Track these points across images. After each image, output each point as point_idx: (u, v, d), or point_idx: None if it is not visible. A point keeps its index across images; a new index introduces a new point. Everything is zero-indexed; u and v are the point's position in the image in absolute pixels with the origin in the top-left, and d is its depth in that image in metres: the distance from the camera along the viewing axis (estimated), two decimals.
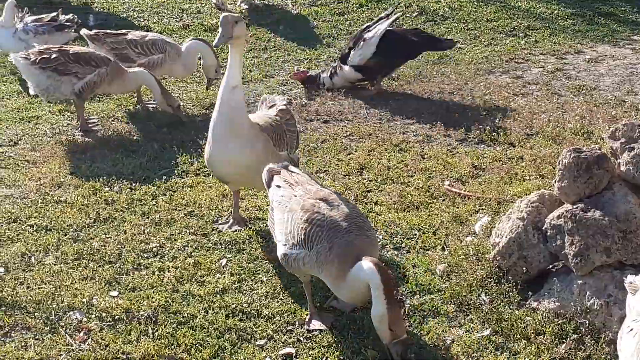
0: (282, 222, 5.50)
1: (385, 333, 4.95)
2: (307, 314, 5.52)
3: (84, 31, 9.13)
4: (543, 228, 5.71)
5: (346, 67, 9.31)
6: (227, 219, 6.68)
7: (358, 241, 5.20)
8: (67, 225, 6.62)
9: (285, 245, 5.42)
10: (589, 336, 5.24)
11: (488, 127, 8.29)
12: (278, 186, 5.74)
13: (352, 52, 9.29)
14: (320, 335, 5.39)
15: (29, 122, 8.60)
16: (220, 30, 5.98)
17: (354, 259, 5.08)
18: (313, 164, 7.65)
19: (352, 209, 5.47)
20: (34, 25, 9.67)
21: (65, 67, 8.15)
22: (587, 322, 5.31)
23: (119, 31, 9.27)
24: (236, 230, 6.50)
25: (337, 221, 5.28)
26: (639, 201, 5.50)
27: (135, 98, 9.09)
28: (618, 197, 5.51)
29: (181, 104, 8.66)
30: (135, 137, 8.26)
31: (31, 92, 8.48)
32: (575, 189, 5.59)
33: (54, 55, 8.14)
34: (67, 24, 9.99)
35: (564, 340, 5.25)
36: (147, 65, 8.79)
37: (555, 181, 5.82)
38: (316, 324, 5.48)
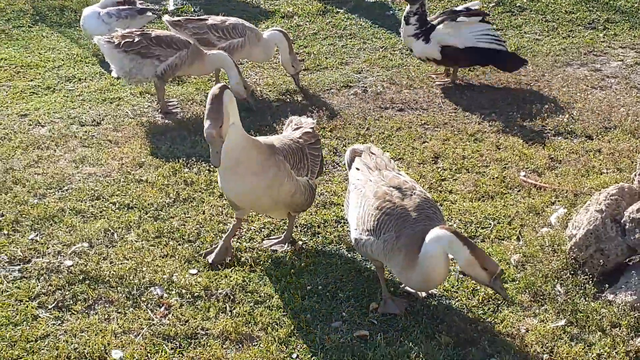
0: (355, 207, 5.54)
1: (481, 274, 5.00)
2: (381, 298, 5.57)
3: (165, 17, 9.26)
4: (622, 221, 5.70)
5: (426, 45, 9.10)
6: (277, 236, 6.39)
7: (425, 231, 5.14)
8: (148, 204, 6.77)
9: (357, 230, 5.47)
10: None
11: (565, 119, 8.23)
12: (357, 169, 5.76)
13: (440, 27, 9.06)
14: (394, 320, 5.44)
15: (111, 103, 8.77)
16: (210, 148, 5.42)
17: (419, 248, 5.09)
18: (387, 152, 7.63)
19: (424, 199, 5.45)
20: (116, 9, 9.87)
21: (148, 50, 8.29)
22: None
23: (199, 16, 9.37)
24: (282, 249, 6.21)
25: (407, 211, 5.29)
26: None
27: (214, 82, 9.22)
28: None
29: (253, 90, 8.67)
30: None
31: (114, 74, 8.66)
32: None
33: (136, 39, 8.29)
34: (148, 7, 10.20)
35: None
36: (227, 48, 8.86)
37: (636, 174, 5.82)
38: (390, 309, 5.52)
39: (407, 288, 5.72)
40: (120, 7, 9.92)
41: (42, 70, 9.59)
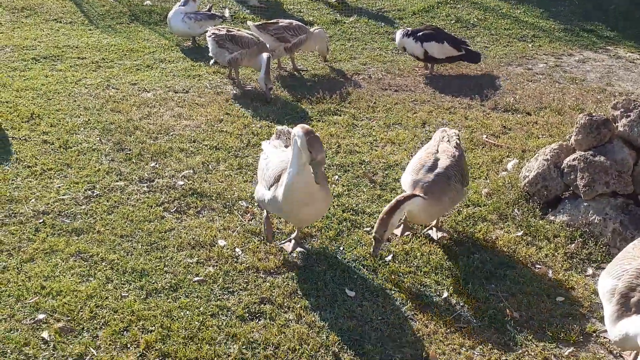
0: (414, 160, 5.45)
1: (375, 228, 4.89)
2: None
3: (250, 23, 9.08)
4: (561, 167, 5.85)
5: (415, 44, 9.18)
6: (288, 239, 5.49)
7: (433, 181, 5.08)
8: (230, 147, 6.86)
9: (405, 173, 5.38)
10: (590, 240, 5.43)
11: (511, 101, 8.35)
12: (435, 139, 5.62)
13: (429, 43, 9.10)
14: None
15: (194, 78, 8.78)
16: (321, 150, 4.60)
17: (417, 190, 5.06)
18: (390, 119, 7.80)
19: (452, 162, 5.24)
20: (194, 14, 9.92)
21: (223, 43, 8.36)
22: (589, 230, 5.49)
23: (273, 20, 9.21)
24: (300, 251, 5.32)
25: (435, 165, 5.19)
26: (630, 152, 5.61)
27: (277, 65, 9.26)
28: (616, 148, 5.63)
29: (273, 88, 8.27)
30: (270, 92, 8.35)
31: (210, 54, 8.66)
32: (587, 141, 5.75)
33: (220, 33, 8.38)
34: (217, 13, 10.25)
35: (573, 242, 5.44)
36: (297, 43, 8.87)
37: (571, 135, 5.97)
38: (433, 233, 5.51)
39: (430, 232, 5.55)
40: (198, 12, 9.97)
41: (141, 54, 9.61)
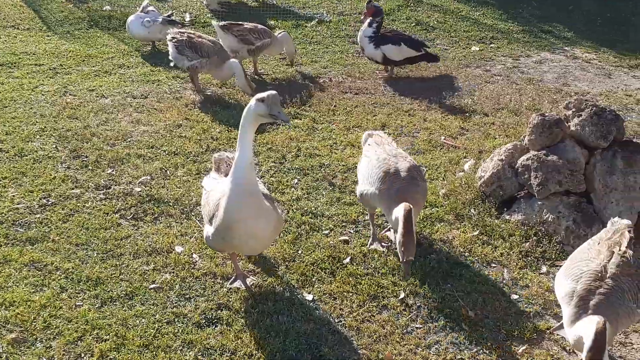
0: (364, 168, 5.38)
1: (400, 253, 4.73)
2: (371, 237, 5.51)
3: (214, 23, 9.00)
4: (515, 167, 5.91)
5: (374, 50, 9.14)
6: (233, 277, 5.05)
7: (407, 188, 5.05)
8: (188, 152, 6.82)
9: (362, 183, 5.33)
10: (544, 238, 5.49)
11: (469, 102, 8.43)
12: (369, 144, 5.61)
13: (387, 47, 9.11)
14: (366, 233, 5.61)
15: (153, 83, 8.70)
16: (280, 109, 4.27)
17: (400, 200, 4.92)
18: (350, 122, 7.81)
19: (412, 164, 5.26)
20: (154, 19, 9.83)
21: (182, 49, 8.20)
22: (543, 229, 5.56)
23: (238, 22, 9.06)
24: (240, 286, 4.91)
25: (399, 171, 5.13)
26: (582, 151, 5.70)
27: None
28: (569, 148, 5.71)
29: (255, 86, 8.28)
30: (227, 98, 8.37)
31: (170, 57, 8.47)
32: (540, 141, 5.83)
33: (180, 39, 8.26)
34: (177, 19, 10.18)
35: (528, 240, 5.50)
36: (261, 46, 8.81)
37: (525, 135, 6.04)
38: (375, 246, 5.41)
39: (388, 233, 5.56)
40: (158, 17, 9.89)
41: (100, 60, 9.51)
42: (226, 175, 4.72)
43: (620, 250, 4.18)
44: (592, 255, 4.19)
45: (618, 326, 3.97)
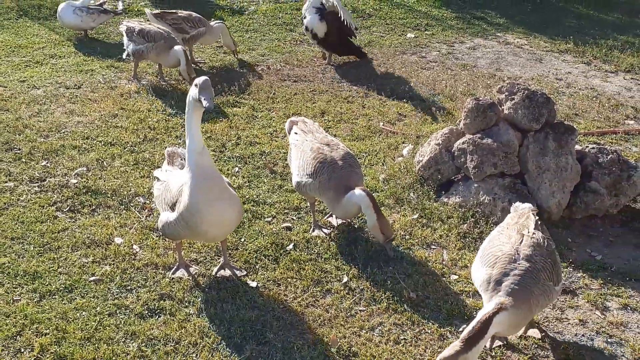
0: (297, 159, 5.41)
1: (379, 236, 5.05)
2: (312, 224, 5.52)
3: (147, 11, 8.88)
4: (452, 150, 6.00)
5: (319, 23, 9.07)
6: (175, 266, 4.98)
7: (348, 175, 5.17)
8: (125, 142, 6.73)
9: (298, 175, 5.35)
10: (481, 219, 5.59)
11: (406, 89, 8.49)
12: (295, 133, 5.61)
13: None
14: (308, 219, 5.63)
15: (86, 73, 8.52)
16: (211, 93, 4.21)
17: (345, 188, 5.08)
18: (289, 109, 7.82)
19: (346, 152, 5.35)
20: (86, 7, 9.62)
21: (131, 36, 8.10)
22: (480, 210, 5.66)
23: (172, 11, 9.01)
24: (182, 276, 4.88)
25: (335, 160, 5.22)
26: (515, 133, 5.82)
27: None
28: (502, 131, 5.82)
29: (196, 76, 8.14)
30: (164, 86, 8.27)
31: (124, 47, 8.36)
32: (475, 125, 5.94)
33: (131, 25, 8.20)
34: (108, 8, 9.97)
35: (465, 222, 5.59)
36: (196, 35, 8.70)
37: (460, 120, 6.14)
38: (317, 232, 5.44)
39: (330, 219, 5.67)
40: (90, 6, 9.67)
41: (30, 50, 9.25)
42: (182, 168, 4.72)
43: (528, 232, 4.29)
44: (504, 240, 4.28)
45: (536, 304, 4.04)
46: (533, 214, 4.51)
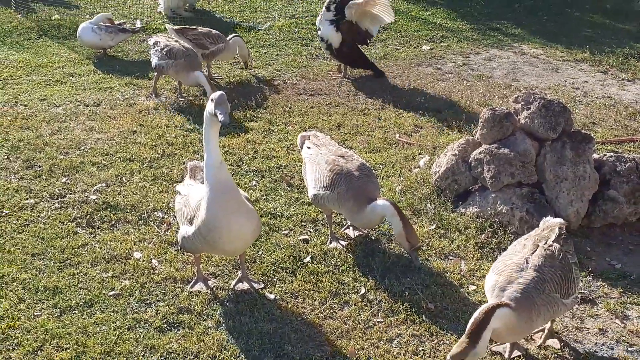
0: (312, 172, 5.39)
1: (405, 244, 5.03)
2: (329, 236, 5.51)
3: (169, 26, 8.97)
4: (469, 161, 5.99)
5: (334, 33, 9.07)
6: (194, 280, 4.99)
7: (366, 185, 5.18)
8: (144, 158, 6.78)
9: (315, 188, 5.32)
10: (499, 229, 5.56)
11: (422, 100, 8.49)
12: (308, 147, 5.61)
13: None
14: (325, 232, 5.60)
15: (105, 91, 8.61)
16: (227, 107, 4.23)
17: (365, 198, 5.09)
18: (306, 123, 7.85)
19: (361, 162, 5.36)
20: (105, 26, 9.75)
21: (157, 50, 8.18)
22: (498, 220, 5.63)
23: (192, 27, 9.10)
24: (201, 289, 4.88)
25: (351, 171, 5.22)
26: (532, 143, 5.79)
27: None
28: (519, 140, 5.79)
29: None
30: (182, 102, 8.33)
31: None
32: (491, 135, 5.92)
33: (158, 40, 8.32)
34: (127, 27, 10.09)
35: (483, 232, 5.56)
36: (215, 51, 8.80)
37: (477, 130, 6.13)
38: (334, 244, 5.44)
39: (347, 231, 5.64)
40: (108, 25, 9.81)
41: (50, 69, 9.37)
42: (203, 182, 4.70)
43: (546, 244, 4.23)
44: (517, 250, 4.26)
45: (538, 314, 3.98)
46: (561, 227, 4.42)
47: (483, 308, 3.85)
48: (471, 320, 3.80)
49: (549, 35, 11.79)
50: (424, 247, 5.45)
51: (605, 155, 6.02)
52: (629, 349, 4.45)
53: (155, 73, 8.34)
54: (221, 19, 11.97)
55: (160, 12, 12.04)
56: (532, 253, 4.18)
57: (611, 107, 8.43)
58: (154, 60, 8.22)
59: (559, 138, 5.79)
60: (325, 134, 5.98)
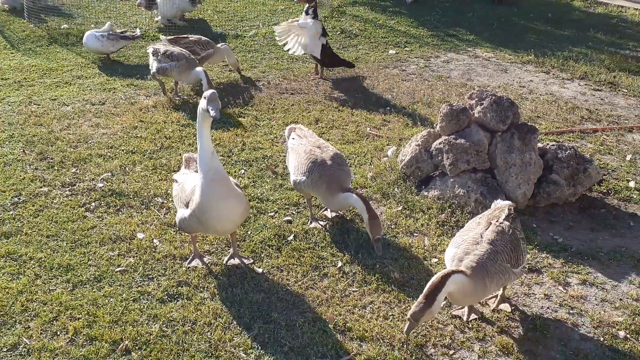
0: (293, 160, 5.40)
1: (369, 233, 4.86)
2: (309, 217, 5.50)
3: (162, 37, 8.87)
4: (430, 150, 6.01)
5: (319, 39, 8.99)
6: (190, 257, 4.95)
7: (338, 173, 5.15)
8: (144, 150, 6.71)
9: (294, 174, 5.34)
10: (457, 209, 5.61)
11: (389, 97, 8.51)
12: (293, 138, 5.60)
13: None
14: (306, 213, 5.61)
15: (109, 91, 8.50)
16: (218, 104, 4.22)
17: (337, 185, 5.06)
18: (288, 118, 7.81)
19: (335, 152, 5.32)
20: (108, 33, 9.61)
21: (157, 56, 8.04)
22: (456, 202, 5.67)
23: (184, 35, 8.97)
24: (197, 265, 4.86)
25: (325, 160, 5.20)
26: (485, 134, 5.82)
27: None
28: (474, 132, 5.83)
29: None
30: (177, 101, 8.24)
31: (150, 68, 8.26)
32: (449, 127, 5.95)
33: (157, 47, 8.14)
34: (128, 34, 9.95)
35: (443, 212, 5.60)
36: (206, 56, 8.67)
37: (437, 123, 6.15)
38: (314, 224, 5.41)
39: (325, 213, 5.63)
40: (110, 32, 9.67)
41: (60, 72, 9.23)
42: (196, 171, 4.68)
43: (497, 222, 4.28)
44: (473, 227, 4.31)
45: (491, 281, 4.01)
46: (509, 208, 4.46)
47: (440, 273, 3.88)
48: (429, 284, 3.83)
49: (498, 40, 11.83)
50: (392, 226, 5.47)
51: (548, 144, 6.08)
52: (570, 311, 4.52)
53: (158, 75, 8.13)
54: (211, 27, 11.85)
55: (157, 21, 11.89)
56: (486, 229, 4.22)
57: (553, 103, 8.50)
58: (156, 65, 8.01)
59: (508, 129, 5.83)
60: (308, 128, 5.96)
